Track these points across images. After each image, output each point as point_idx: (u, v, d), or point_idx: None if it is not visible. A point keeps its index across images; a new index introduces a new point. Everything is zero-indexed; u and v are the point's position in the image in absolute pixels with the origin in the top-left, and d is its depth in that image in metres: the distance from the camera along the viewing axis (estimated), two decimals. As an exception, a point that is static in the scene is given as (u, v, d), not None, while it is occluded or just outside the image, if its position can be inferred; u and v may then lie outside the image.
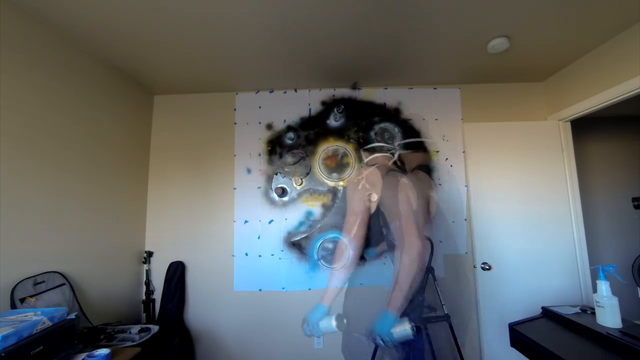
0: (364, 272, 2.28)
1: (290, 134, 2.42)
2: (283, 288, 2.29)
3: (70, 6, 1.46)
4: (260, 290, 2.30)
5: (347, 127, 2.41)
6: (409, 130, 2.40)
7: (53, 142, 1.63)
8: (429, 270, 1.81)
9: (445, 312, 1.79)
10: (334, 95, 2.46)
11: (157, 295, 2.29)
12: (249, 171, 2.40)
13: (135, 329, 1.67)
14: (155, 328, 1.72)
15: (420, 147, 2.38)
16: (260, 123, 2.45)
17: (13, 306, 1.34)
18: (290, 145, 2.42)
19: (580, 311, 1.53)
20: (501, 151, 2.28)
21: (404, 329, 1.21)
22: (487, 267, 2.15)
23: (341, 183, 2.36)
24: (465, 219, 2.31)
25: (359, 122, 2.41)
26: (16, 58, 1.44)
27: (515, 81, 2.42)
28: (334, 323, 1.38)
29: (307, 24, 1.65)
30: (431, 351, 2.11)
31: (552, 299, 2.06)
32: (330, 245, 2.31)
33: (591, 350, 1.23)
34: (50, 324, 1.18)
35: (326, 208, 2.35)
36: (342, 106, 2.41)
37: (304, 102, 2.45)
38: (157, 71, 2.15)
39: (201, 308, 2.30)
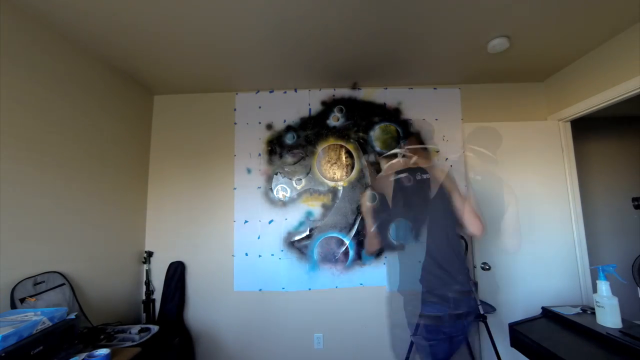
0: (364, 272, 2.29)
1: (290, 134, 2.42)
2: (283, 288, 2.29)
3: (70, 6, 1.46)
4: (260, 290, 2.30)
5: (347, 127, 2.41)
6: (409, 130, 2.40)
7: (53, 142, 1.63)
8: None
9: (482, 312, 1.76)
10: (334, 95, 2.46)
11: (157, 295, 2.29)
12: (249, 171, 2.40)
13: (135, 329, 1.67)
14: (155, 328, 1.72)
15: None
16: (260, 123, 2.45)
17: (13, 306, 1.34)
18: (290, 145, 2.42)
19: (581, 311, 1.53)
20: (501, 151, 2.28)
21: None
22: (487, 267, 2.15)
23: (341, 183, 2.36)
24: (465, 219, 2.30)
25: (359, 122, 2.41)
26: (16, 58, 1.44)
27: (515, 81, 2.42)
28: None
29: (307, 24, 1.65)
30: (469, 351, 2.09)
31: (552, 299, 2.06)
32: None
33: (591, 350, 1.23)
34: (50, 324, 1.18)
35: (326, 208, 2.35)
36: (342, 107, 2.42)
37: (304, 102, 2.45)
38: (157, 71, 2.14)
39: (201, 308, 2.30)
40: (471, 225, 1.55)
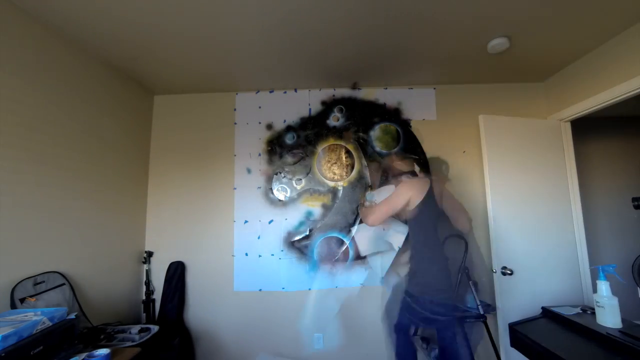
0: (364, 272, 2.29)
1: (290, 134, 2.42)
2: (283, 288, 2.29)
3: (70, 7, 1.46)
4: (260, 290, 2.30)
5: (347, 127, 2.41)
6: (409, 130, 2.40)
7: (53, 142, 1.63)
8: (462, 269, 1.80)
9: (482, 312, 1.76)
10: (334, 95, 2.46)
11: (157, 295, 2.29)
12: (249, 171, 2.40)
13: (135, 329, 1.67)
14: (155, 328, 1.72)
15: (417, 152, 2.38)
16: (260, 123, 2.45)
17: (13, 306, 1.34)
18: (290, 145, 2.42)
19: (581, 311, 1.53)
20: (502, 151, 2.27)
21: None
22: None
23: (341, 183, 2.36)
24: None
25: (359, 122, 2.41)
26: (17, 59, 1.44)
27: (516, 81, 2.42)
28: None
29: (307, 24, 1.65)
30: (468, 349, 2.09)
31: (552, 299, 2.05)
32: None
33: (591, 350, 1.23)
34: (50, 324, 1.18)
35: (326, 208, 2.35)
36: (342, 107, 2.42)
37: (304, 102, 2.45)
38: (157, 71, 2.14)
39: (201, 308, 2.30)
40: (461, 221, 1.82)
